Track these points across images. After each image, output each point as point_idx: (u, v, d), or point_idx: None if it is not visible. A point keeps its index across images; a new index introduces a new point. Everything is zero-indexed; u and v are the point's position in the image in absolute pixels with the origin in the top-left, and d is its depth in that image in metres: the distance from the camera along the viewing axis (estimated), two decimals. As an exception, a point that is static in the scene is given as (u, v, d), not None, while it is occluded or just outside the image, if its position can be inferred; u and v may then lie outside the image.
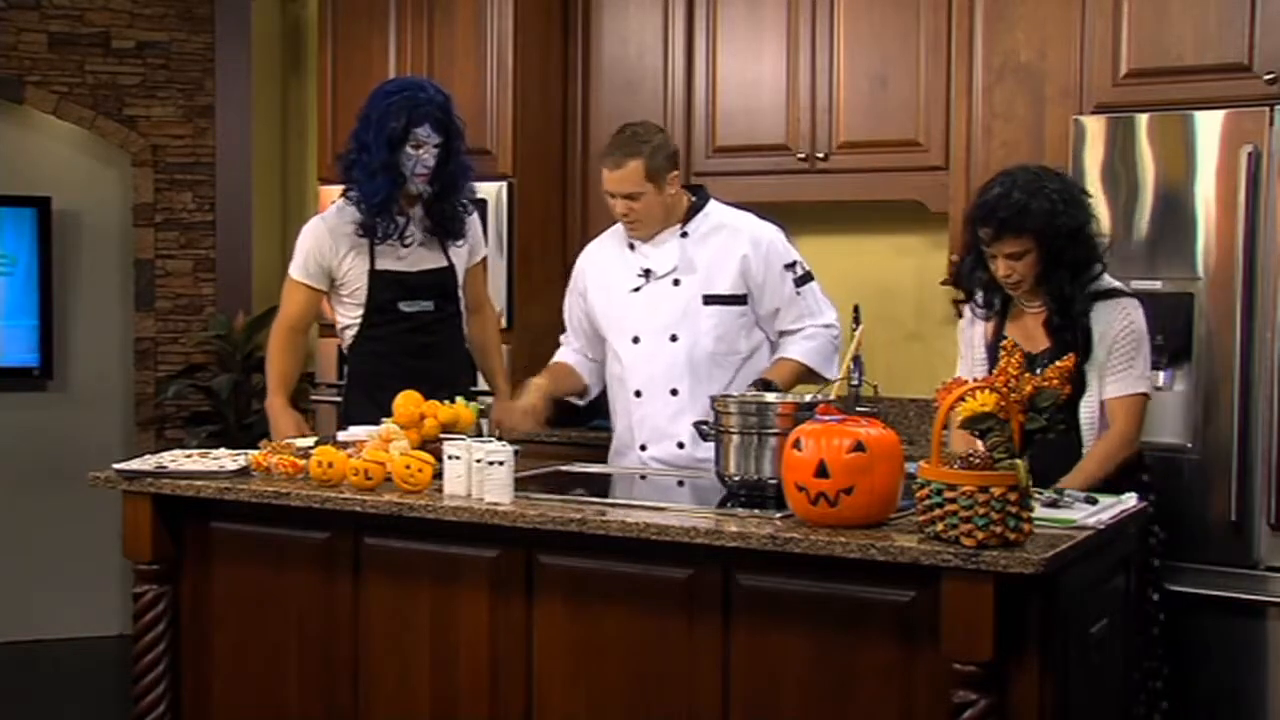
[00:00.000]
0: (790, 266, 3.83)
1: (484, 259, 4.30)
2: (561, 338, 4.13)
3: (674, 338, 3.78)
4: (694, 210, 3.85)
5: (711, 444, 3.29)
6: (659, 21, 5.12)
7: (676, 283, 3.80)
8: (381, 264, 3.99)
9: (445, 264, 4.07)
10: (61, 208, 6.00)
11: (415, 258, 4.03)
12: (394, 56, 5.30)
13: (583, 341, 4.04)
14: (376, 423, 3.52)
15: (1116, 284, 3.50)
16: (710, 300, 3.77)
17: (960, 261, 3.68)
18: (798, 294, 3.82)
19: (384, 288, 4.00)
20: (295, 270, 4.05)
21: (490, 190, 5.04)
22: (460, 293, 4.13)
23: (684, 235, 3.82)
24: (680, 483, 3.61)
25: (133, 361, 6.05)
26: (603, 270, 3.95)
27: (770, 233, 3.86)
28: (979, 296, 3.58)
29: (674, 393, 3.77)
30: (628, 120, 5.11)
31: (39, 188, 5.98)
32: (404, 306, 4.01)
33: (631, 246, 3.88)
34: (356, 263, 4.00)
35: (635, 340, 3.82)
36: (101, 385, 6.13)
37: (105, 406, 6.13)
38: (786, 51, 4.87)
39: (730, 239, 3.81)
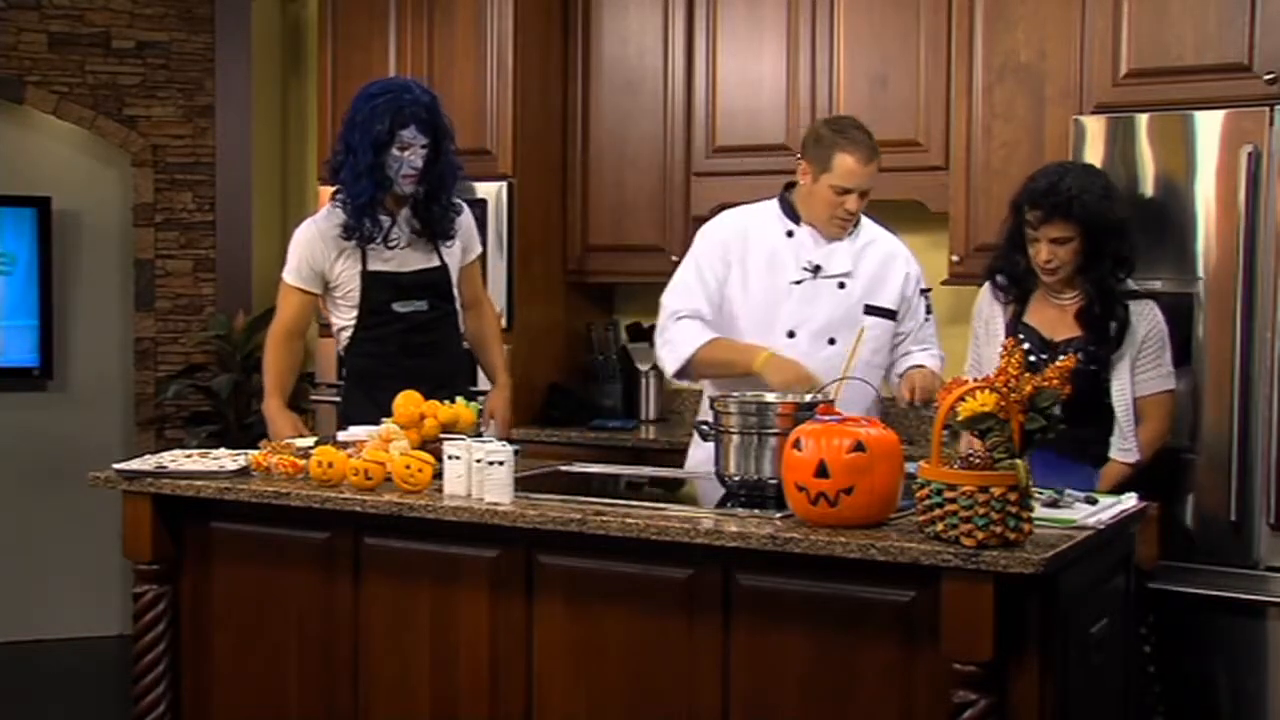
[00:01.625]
0: (925, 293, 3.87)
1: (479, 256, 4.30)
2: (687, 308, 3.73)
3: (832, 340, 3.69)
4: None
5: None
6: (659, 21, 5.12)
7: (842, 285, 3.72)
8: (374, 265, 4.00)
9: (438, 263, 4.07)
10: (61, 208, 6.00)
11: (407, 258, 4.04)
12: (394, 56, 5.30)
13: (713, 313, 3.74)
14: (376, 423, 3.52)
15: (1138, 287, 3.68)
16: (871, 310, 3.72)
17: (1000, 248, 3.77)
18: (926, 320, 3.85)
19: (377, 289, 4.00)
20: (289, 275, 4.05)
21: (490, 190, 5.04)
22: (455, 291, 4.13)
23: (852, 241, 3.77)
24: (680, 483, 3.61)
25: (133, 361, 6.05)
26: (766, 253, 3.76)
27: (909, 255, 3.87)
28: (1003, 280, 3.70)
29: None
30: (628, 120, 5.17)
31: (39, 188, 5.98)
32: (398, 307, 4.01)
33: (790, 234, 3.76)
34: (349, 265, 4.00)
35: (790, 335, 3.69)
36: (101, 385, 6.13)
37: (105, 406, 6.13)
38: (786, 51, 4.87)
39: (891, 256, 3.80)
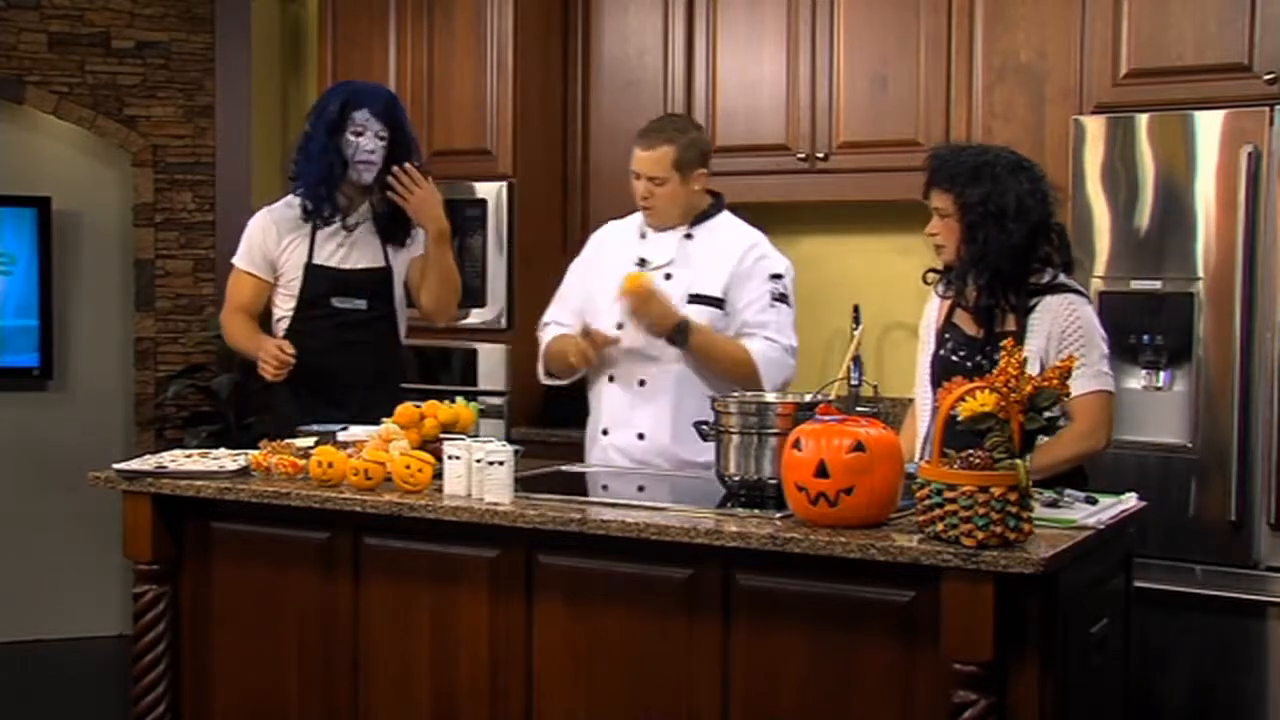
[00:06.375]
0: (776, 278, 3.80)
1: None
2: (550, 317, 4.03)
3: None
4: (706, 215, 3.84)
5: (680, 440, 3.38)
6: (659, 21, 5.12)
7: (669, 276, 3.78)
8: (318, 258, 4.06)
9: (383, 265, 4.11)
10: (61, 208, 6.00)
11: (352, 255, 4.08)
12: (394, 56, 5.30)
13: (573, 319, 3.95)
14: (311, 416, 3.66)
15: (1067, 280, 3.32)
16: (695, 299, 3.75)
17: None
18: (771, 306, 3.78)
19: (317, 281, 4.06)
20: (238, 259, 4.14)
21: (490, 190, 5.04)
22: (395, 294, 4.14)
23: (688, 236, 3.82)
24: (680, 482, 3.60)
25: (133, 361, 6.05)
26: (610, 250, 3.94)
27: (767, 247, 3.84)
28: (932, 276, 3.51)
29: (641, 383, 3.79)
30: (628, 120, 5.16)
31: (39, 188, 5.98)
32: (336, 302, 4.07)
33: (643, 235, 3.88)
34: (296, 254, 4.07)
35: (619, 326, 3.79)
36: (101, 385, 6.13)
37: (105, 406, 6.13)
38: (786, 51, 4.88)
39: (728, 244, 3.81)
